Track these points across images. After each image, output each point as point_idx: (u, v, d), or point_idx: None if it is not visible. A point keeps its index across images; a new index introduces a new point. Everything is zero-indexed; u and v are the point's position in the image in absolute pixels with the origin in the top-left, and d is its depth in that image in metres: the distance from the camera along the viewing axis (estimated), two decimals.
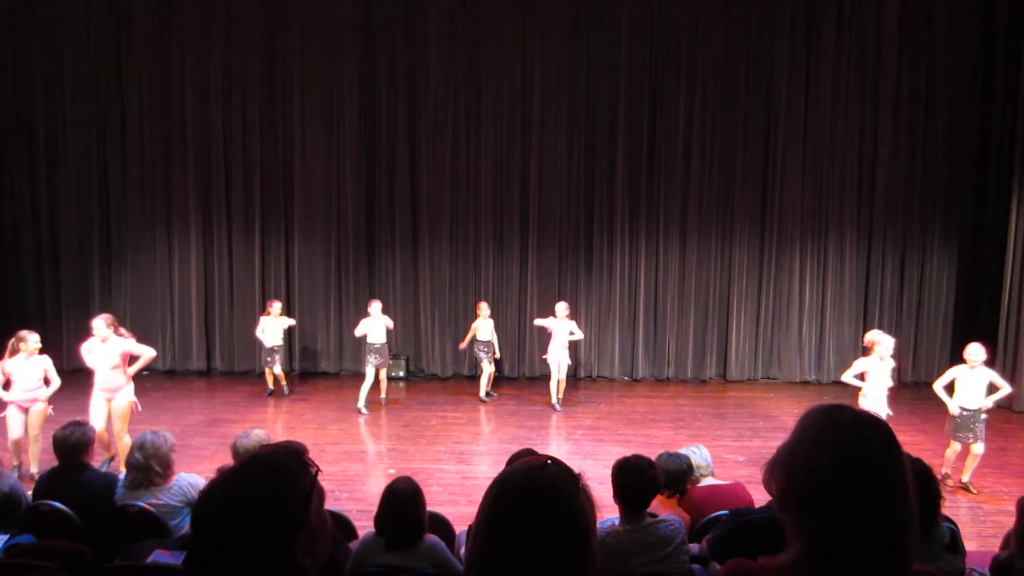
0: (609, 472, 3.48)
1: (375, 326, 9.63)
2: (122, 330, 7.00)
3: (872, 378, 7.12)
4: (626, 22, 11.18)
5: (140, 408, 7.15)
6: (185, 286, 11.68)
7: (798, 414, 1.44)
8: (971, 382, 6.79)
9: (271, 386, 10.36)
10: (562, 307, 9.70)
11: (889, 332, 10.97)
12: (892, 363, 7.20)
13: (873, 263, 11.43)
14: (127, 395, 6.91)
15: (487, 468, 7.28)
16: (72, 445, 4.38)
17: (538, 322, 10.01)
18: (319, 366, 11.75)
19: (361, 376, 9.87)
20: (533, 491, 1.30)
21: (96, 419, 6.73)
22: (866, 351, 7.37)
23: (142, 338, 11.43)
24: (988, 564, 3.51)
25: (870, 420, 1.37)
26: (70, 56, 11.33)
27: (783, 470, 1.37)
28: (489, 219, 11.52)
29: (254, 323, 11.44)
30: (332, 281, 11.68)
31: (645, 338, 11.64)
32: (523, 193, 11.50)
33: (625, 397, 10.60)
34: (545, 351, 9.80)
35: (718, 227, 11.49)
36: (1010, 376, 9.80)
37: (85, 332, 11.21)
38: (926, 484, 3.07)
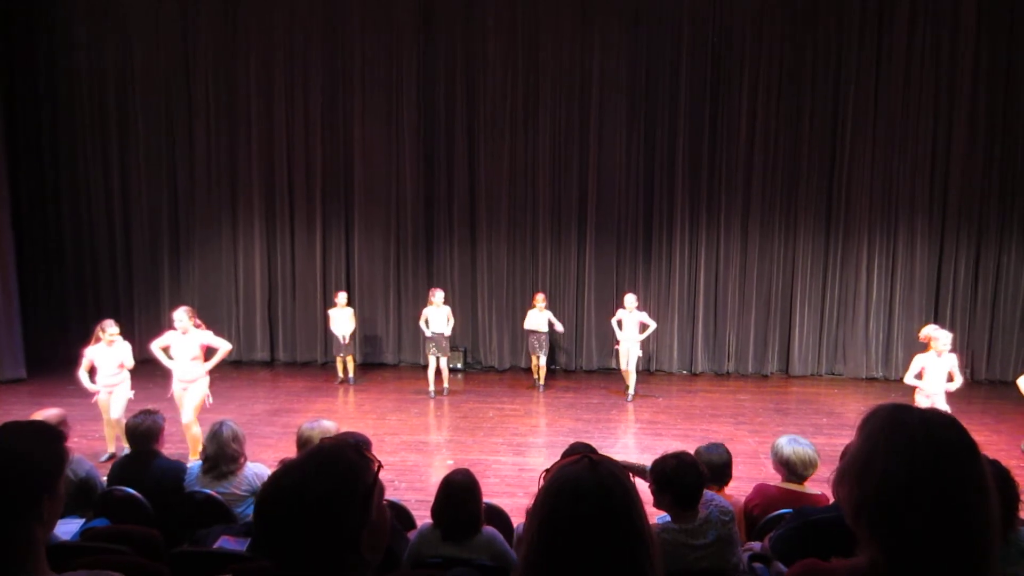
0: None
1: (437, 315, 9.71)
2: (198, 321, 7.21)
3: (929, 375, 6.88)
4: (687, 10, 10.97)
5: (211, 401, 7.37)
6: (249, 278, 11.99)
7: (864, 411, 1.39)
8: None
9: (341, 375, 10.61)
10: (631, 299, 9.62)
11: (962, 328, 10.61)
12: (953, 359, 6.88)
13: (946, 256, 10.99)
14: (202, 387, 7.14)
15: (544, 460, 7.27)
16: (143, 432, 4.54)
17: (613, 321, 9.88)
18: (379, 357, 11.92)
19: (419, 367, 9.97)
20: (584, 494, 1.29)
21: (184, 411, 7.02)
22: (924, 348, 7.10)
23: (210, 329, 11.90)
24: None
25: (940, 419, 1.31)
26: (140, 57, 11.71)
27: (854, 479, 1.32)
28: (547, 211, 11.48)
29: (316, 315, 11.71)
30: (391, 273, 11.82)
31: (705, 332, 11.46)
32: (581, 185, 11.43)
33: (684, 391, 10.46)
34: (617, 341, 9.73)
35: (781, 219, 11.21)
36: None
37: (156, 322, 11.69)
38: (1005, 485, 2.93)
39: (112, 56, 11.72)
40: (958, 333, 10.72)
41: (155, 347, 7.24)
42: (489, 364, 11.76)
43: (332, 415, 8.62)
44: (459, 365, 11.42)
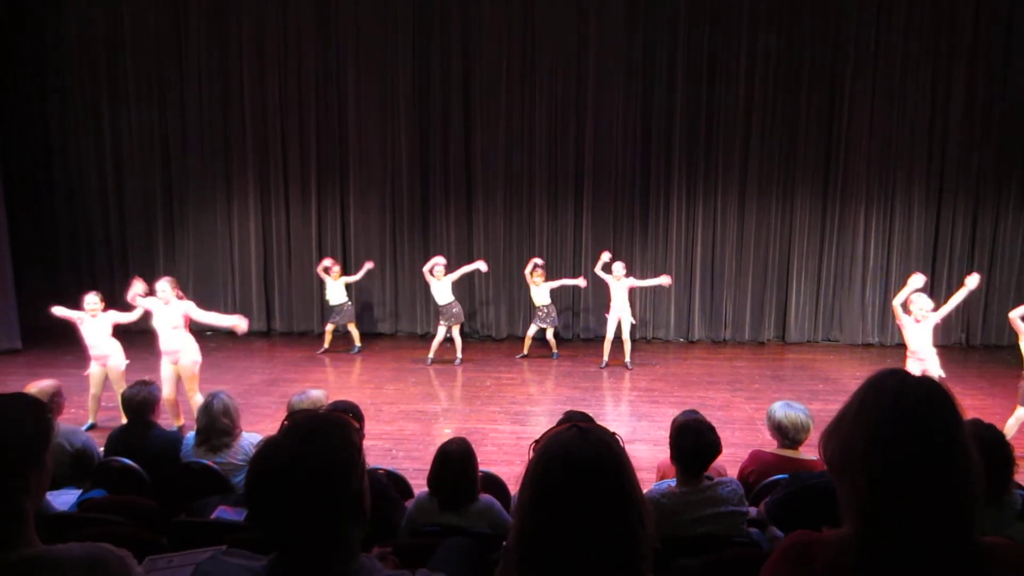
0: (664, 434, 3.44)
1: (439, 288, 9.74)
2: (179, 292, 7.13)
3: (914, 339, 6.90)
4: None
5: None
6: (245, 249, 11.93)
7: (861, 377, 1.38)
8: None
9: (357, 343, 10.67)
10: (619, 267, 9.57)
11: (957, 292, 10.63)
12: (935, 319, 6.86)
13: (943, 222, 10.98)
14: (191, 355, 7.05)
15: (541, 429, 7.24)
16: (139, 403, 4.53)
17: (598, 270, 9.85)
18: (376, 327, 11.92)
19: (416, 337, 9.99)
20: (573, 461, 1.29)
21: (165, 383, 6.90)
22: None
23: (205, 300, 11.83)
24: None
25: (920, 383, 1.30)
26: (130, 24, 11.53)
27: (834, 439, 1.33)
28: (544, 179, 11.41)
29: (312, 285, 11.69)
30: (388, 242, 11.78)
31: (702, 299, 11.47)
32: (578, 152, 11.35)
33: (681, 359, 10.49)
34: (608, 309, 9.73)
35: (778, 186, 11.17)
36: None
37: (152, 292, 11.62)
38: (998, 450, 2.94)
39: (103, 23, 11.54)
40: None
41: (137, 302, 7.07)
42: (487, 333, 11.76)
43: (328, 385, 8.65)
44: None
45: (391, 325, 11.95)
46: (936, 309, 7.00)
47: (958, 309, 10.67)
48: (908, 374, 1.33)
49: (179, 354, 6.99)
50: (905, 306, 6.99)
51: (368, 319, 11.91)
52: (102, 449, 4.54)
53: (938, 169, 10.88)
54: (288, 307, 12.05)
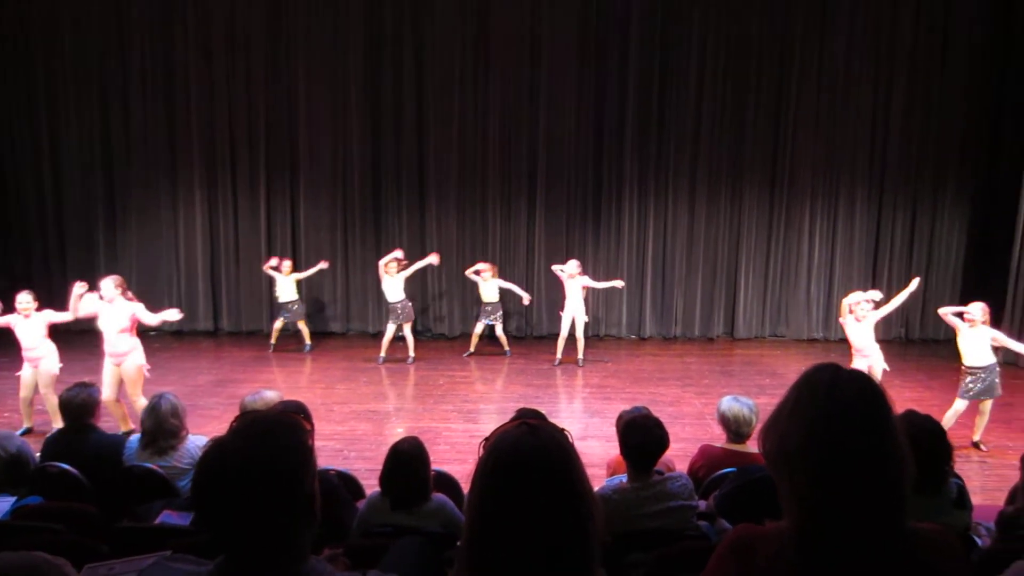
0: (616, 431, 3.47)
1: (392, 284, 9.66)
2: (129, 294, 6.93)
3: (857, 338, 7.12)
4: None
5: (149, 371, 7.08)
6: (191, 247, 11.65)
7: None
8: (973, 341, 6.66)
9: (308, 341, 10.53)
10: (572, 265, 9.61)
11: (898, 290, 10.98)
12: (876, 317, 7.14)
13: (884, 221, 11.32)
14: (136, 359, 6.83)
15: (495, 427, 7.28)
16: (78, 406, 4.38)
17: (555, 267, 9.91)
18: (326, 325, 11.76)
19: (368, 336, 9.93)
20: (523, 457, 1.30)
21: (106, 386, 6.66)
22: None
23: (149, 299, 11.52)
24: (994, 519, 3.50)
25: (851, 377, 1.34)
26: (69, 16, 11.14)
27: (772, 435, 1.36)
28: (496, 177, 11.40)
29: (261, 283, 11.49)
30: (339, 241, 11.62)
31: (653, 297, 11.61)
32: (531, 151, 11.36)
33: (632, 356, 10.60)
34: (562, 307, 9.77)
35: (727, 185, 11.36)
36: (1018, 333, 9.76)
37: (91, 292, 11.27)
38: (935, 441, 3.03)
39: (39, 16, 11.11)
40: (894, 294, 11.11)
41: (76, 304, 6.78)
42: (439, 332, 11.71)
43: (278, 385, 8.50)
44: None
45: (342, 324, 11.81)
46: (878, 307, 7.23)
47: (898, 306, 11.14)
48: (840, 368, 1.36)
49: (124, 357, 6.76)
50: (855, 309, 7.14)
51: (319, 318, 11.75)
52: (39, 454, 4.38)
53: (879, 170, 11.21)
54: (236, 306, 11.82)
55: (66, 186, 11.56)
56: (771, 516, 1.39)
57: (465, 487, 4.18)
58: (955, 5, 10.76)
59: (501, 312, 10.18)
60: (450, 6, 11.06)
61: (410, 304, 9.92)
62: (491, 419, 7.55)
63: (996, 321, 9.96)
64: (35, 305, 6.80)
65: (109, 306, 6.70)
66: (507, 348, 10.33)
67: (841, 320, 7.30)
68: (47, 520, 3.07)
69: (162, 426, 4.07)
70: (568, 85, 11.14)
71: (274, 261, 10.40)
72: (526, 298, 10.25)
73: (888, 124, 11.09)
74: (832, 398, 1.30)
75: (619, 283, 10.07)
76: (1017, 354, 7.53)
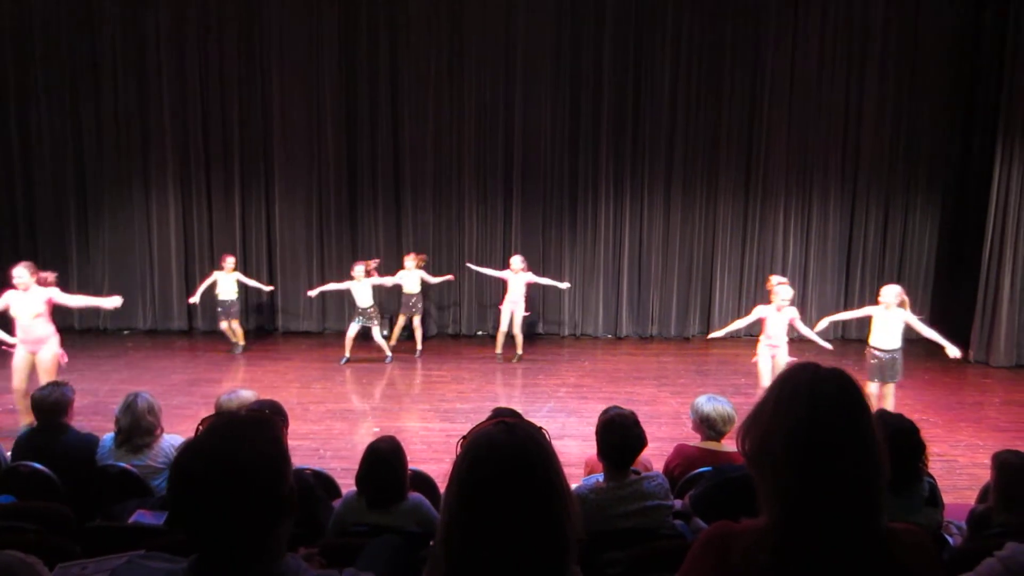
0: (593, 430, 3.49)
1: (361, 288, 9.62)
2: (48, 276, 6.71)
3: (770, 326, 7.25)
4: None
5: (66, 361, 6.81)
6: (164, 245, 11.52)
7: (779, 371, 1.43)
8: (886, 323, 6.88)
9: (238, 341, 10.30)
10: (517, 260, 9.73)
11: (872, 289, 11.15)
12: (793, 311, 7.32)
13: (856, 221, 11.45)
14: (52, 347, 6.62)
15: (471, 426, 7.29)
16: (51, 405, 4.32)
17: (489, 271, 9.99)
18: (302, 325, 11.69)
19: (343, 335, 9.92)
20: (499, 456, 1.30)
21: (17, 375, 6.51)
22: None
23: (123, 297, 11.38)
24: (964, 517, 3.56)
25: (831, 377, 1.36)
26: (40, 10, 10.96)
27: (752, 433, 1.37)
28: (472, 176, 11.39)
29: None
30: (314, 239, 11.55)
31: (629, 296, 11.66)
32: (507, 150, 11.38)
33: (609, 355, 10.65)
34: (502, 301, 9.86)
35: (703, 184, 11.44)
36: (989, 332, 9.97)
37: (64, 290, 11.11)
38: (908, 439, 3.09)
39: (8, 9, 10.92)
40: (868, 293, 11.28)
41: None
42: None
43: (254, 384, 8.42)
44: (385, 332, 11.31)
45: (318, 323, 11.74)
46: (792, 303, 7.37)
47: (870, 302, 11.28)
48: (820, 367, 1.38)
49: (40, 344, 6.55)
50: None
51: (294, 318, 11.68)
52: (9, 454, 4.32)
53: (852, 171, 11.34)
54: (211, 305, 11.67)
55: (38, 185, 11.36)
56: (747, 515, 1.41)
57: (442, 486, 4.17)
58: (924, 6, 10.90)
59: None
60: (424, 5, 11.03)
61: (376, 308, 9.88)
62: (467, 418, 7.55)
63: (967, 317, 10.23)
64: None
65: (23, 293, 6.49)
66: (419, 347, 10.30)
67: (760, 307, 7.42)
68: (19, 520, 3.03)
69: (138, 424, 4.04)
70: (543, 84, 11.17)
71: (230, 261, 10.21)
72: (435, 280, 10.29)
73: (860, 123, 11.21)
74: (814, 397, 1.31)
75: (564, 284, 10.25)
76: (989, 354, 7.67)
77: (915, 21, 10.95)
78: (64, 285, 11.01)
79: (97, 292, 11.50)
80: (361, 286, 9.62)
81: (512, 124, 11.29)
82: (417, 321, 10.16)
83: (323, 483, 4.11)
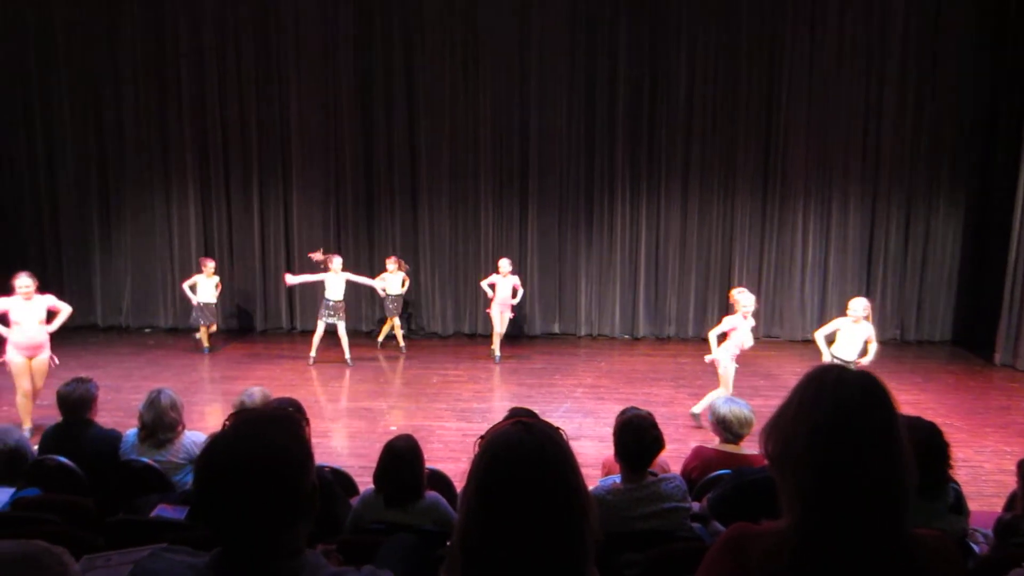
0: (609, 431, 3.48)
1: (335, 282, 9.58)
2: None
3: (738, 335, 7.32)
4: None
5: (57, 362, 6.97)
6: (185, 245, 11.64)
7: (800, 373, 1.43)
8: (851, 335, 7.03)
9: (207, 344, 10.28)
10: (505, 263, 9.84)
11: (893, 290, 11.04)
12: (752, 322, 7.40)
13: (878, 220, 11.31)
14: (47, 351, 6.83)
15: (488, 425, 7.30)
16: (76, 400, 4.39)
17: (483, 284, 10.09)
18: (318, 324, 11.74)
19: (361, 334, 9.96)
20: (518, 456, 1.30)
21: (23, 380, 6.71)
22: (731, 309, 7.55)
23: (144, 298, 11.53)
24: (990, 525, 3.50)
25: (858, 378, 1.34)
26: (61, 15, 11.13)
27: (775, 434, 1.36)
28: (488, 176, 11.41)
29: (255, 282, 11.51)
30: (332, 238, 11.60)
31: (646, 296, 11.62)
32: (522, 149, 11.38)
33: (626, 356, 10.62)
34: (489, 306, 9.93)
35: (720, 183, 11.37)
36: (1016, 335, 9.78)
37: (87, 290, 11.33)
38: (933, 444, 3.04)
39: (32, 15, 11.09)
40: (889, 294, 11.18)
41: None
42: (432, 330, 11.72)
43: (272, 382, 8.51)
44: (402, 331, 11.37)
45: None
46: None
47: (892, 307, 11.20)
48: (846, 369, 1.37)
49: (41, 350, 6.78)
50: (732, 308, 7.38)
51: (311, 316, 11.73)
52: (36, 447, 4.39)
53: (872, 167, 11.20)
54: (230, 304, 11.81)
55: (61, 188, 11.57)
56: (766, 518, 1.39)
57: (458, 485, 4.21)
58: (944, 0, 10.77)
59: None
60: (439, 6, 11.06)
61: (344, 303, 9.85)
62: (484, 418, 7.57)
63: (993, 320, 10.07)
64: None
65: (25, 301, 6.67)
66: (401, 344, 10.50)
67: (729, 317, 7.42)
68: (45, 512, 3.08)
69: (161, 419, 4.10)
70: (558, 84, 11.16)
71: (211, 265, 10.26)
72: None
73: (880, 122, 11.07)
74: (839, 398, 1.30)
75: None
76: (1016, 357, 7.59)
77: (936, 17, 10.80)
78: (88, 285, 11.31)
79: (120, 292, 11.73)
80: (337, 280, 9.56)
81: (528, 123, 11.29)
82: (398, 321, 10.35)
83: (341, 481, 4.13)
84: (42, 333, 6.76)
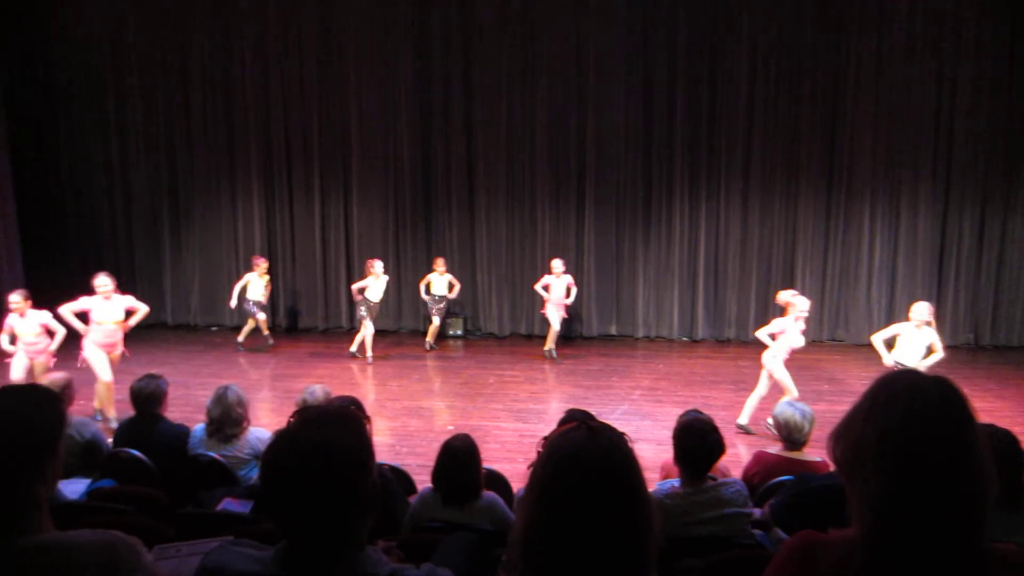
0: (667, 434, 3.44)
1: (378, 286, 9.98)
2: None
3: (784, 337, 7.19)
4: None
5: (128, 355, 7.42)
6: (249, 245, 11.96)
7: (867, 377, 1.39)
8: (913, 340, 6.82)
9: (245, 339, 10.56)
10: (558, 264, 9.86)
11: (967, 293, 10.62)
12: (803, 324, 7.29)
13: (949, 221, 10.88)
14: (120, 346, 7.27)
15: (544, 427, 7.31)
16: (147, 396, 4.56)
17: (537, 287, 10.09)
18: (378, 324, 11.89)
19: (419, 334, 10.05)
20: (584, 461, 1.28)
21: (106, 371, 7.11)
22: (782, 311, 7.39)
23: (211, 296, 11.90)
24: None
25: (932, 384, 1.29)
26: (134, 23, 11.57)
27: (843, 439, 1.32)
28: (545, 176, 11.41)
29: (316, 281, 11.76)
30: (390, 240, 11.79)
31: (706, 298, 11.44)
32: (579, 150, 11.34)
33: (684, 358, 10.48)
34: (544, 307, 9.99)
35: (782, 183, 11.11)
36: None
37: (159, 289, 11.74)
38: (1012, 453, 2.92)
39: (107, 22, 11.57)
40: (962, 298, 10.75)
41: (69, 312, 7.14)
42: (489, 331, 11.77)
43: (333, 381, 8.66)
44: (459, 332, 11.48)
45: (394, 322, 11.96)
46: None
47: (965, 311, 10.78)
48: (920, 374, 1.32)
49: (116, 346, 7.22)
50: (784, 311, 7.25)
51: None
52: (111, 440, 4.58)
53: (944, 166, 10.80)
54: (292, 303, 12.09)
55: (134, 190, 12.06)
56: (831, 526, 1.35)
57: (515, 486, 4.22)
58: None
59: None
60: (497, 10, 11.11)
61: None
62: (541, 419, 7.58)
63: None
64: (27, 304, 7.05)
65: (106, 301, 7.07)
66: (431, 340, 10.70)
67: (779, 320, 7.29)
68: (119, 502, 3.21)
69: (228, 415, 4.22)
70: (616, 84, 11.07)
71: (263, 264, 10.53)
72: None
73: (953, 119, 10.65)
74: (912, 404, 1.25)
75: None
76: None
77: (1012, 8, 10.33)
78: (159, 284, 11.73)
79: (188, 289, 12.13)
80: (379, 283, 9.95)
81: (585, 125, 11.24)
82: (437, 320, 10.58)
83: (400, 479, 4.18)
84: (119, 331, 7.17)
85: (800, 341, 7.24)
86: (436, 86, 11.38)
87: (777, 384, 7.17)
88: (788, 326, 7.15)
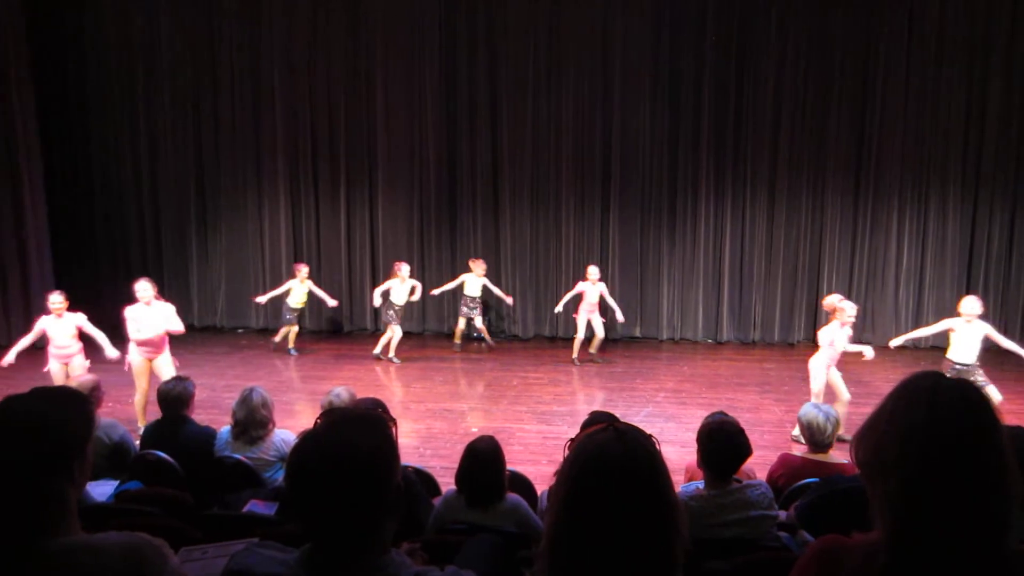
0: (692, 436, 3.42)
1: (402, 290, 10.07)
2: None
3: (838, 345, 6.98)
4: None
5: (178, 364, 7.37)
6: (275, 247, 12.07)
7: (893, 380, 1.37)
8: (967, 336, 6.67)
9: (281, 341, 10.62)
10: (594, 271, 9.76)
11: (996, 296, 10.43)
12: (850, 331, 7.06)
13: (979, 222, 10.72)
14: (167, 352, 7.23)
15: (568, 429, 7.29)
16: (174, 398, 4.62)
17: (568, 296, 10.03)
18: (403, 326, 11.95)
19: (443, 336, 10.06)
20: (611, 463, 1.28)
21: (141, 381, 7.13)
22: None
23: (237, 300, 12.02)
24: None
25: (955, 386, 1.28)
26: (165, 29, 11.73)
27: (867, 442, 1.31)
28: (570, 178, 11.39)
29: (341, 284, 11.83)
30: (415, 242, 11.83)
31: (731, 300, 11.36)
32: (605, 151, 11.31)
33: (709, 360, 10.41)
34: (576, 311, 9.89)
35: (809, 184, 11.01)
36: None
37: (186, 291, 11.88)
38: None
39: (138, 28, 11.73)
40: (991, 300, 10.55)
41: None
42: (513, 333, 11.77)
43: (358, 383, 8.71)
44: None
45: (418, 323, 12.00)
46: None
47: (994, 313, 10.59)
48: (943, 376, 1.31)
49: (160, 351, 7.19)
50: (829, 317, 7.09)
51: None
52: (138, 442, 4.64)
53: (974, 168, 10.64)
54: (318, 306, 12.14)
55: (162, 191, 12.18)
56: (857, 529, 1.35)
57: (539, 488, 4.21)
58: None
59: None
60: (523, 7, 11.12)
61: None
62: (565, 421, 7.56)
63: None
64: (65, 305, 7.14)
65: (147, 308, 7.05)
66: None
67: (826, 326, 7.11)
68: (146, 504, 3.24)
69: (253, 417, 4.26)
70: (641, 85, 11.04)
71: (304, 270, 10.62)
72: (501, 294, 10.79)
73: (984, 119, 10.50)
74: (934, 406, 1.25)
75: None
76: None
77: None
78: (185, 286, 11.87)
79: (215, 293, 12.27)
80: (403, 287, 10.09)
81: (610, 126, 11.21)
82: (462, 322, 10.61)
83: (423, 481, 4.20)
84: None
85: (846, 345, 7.06)
86: (461, 86, 11.41)
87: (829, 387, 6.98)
88: (836, 335, 6.97)
